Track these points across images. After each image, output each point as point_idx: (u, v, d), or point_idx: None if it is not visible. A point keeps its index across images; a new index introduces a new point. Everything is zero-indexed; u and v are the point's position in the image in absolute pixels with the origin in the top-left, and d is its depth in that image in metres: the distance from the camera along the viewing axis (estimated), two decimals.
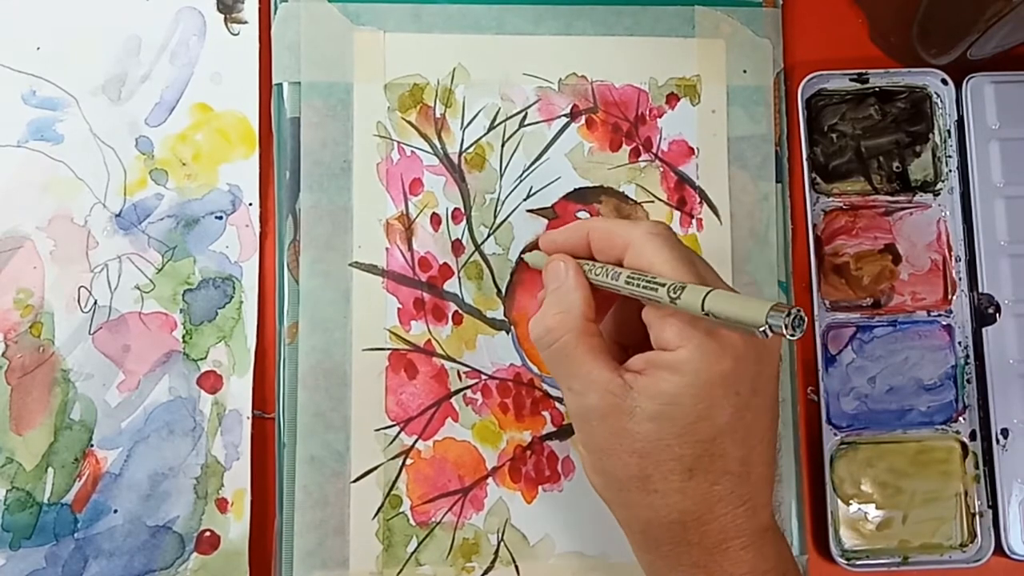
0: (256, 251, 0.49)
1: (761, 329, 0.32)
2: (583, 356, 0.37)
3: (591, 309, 0.38)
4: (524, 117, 0.50)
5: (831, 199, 0.52)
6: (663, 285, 0.35)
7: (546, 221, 0.50)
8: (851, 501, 0.51)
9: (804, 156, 0.51)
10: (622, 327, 0.41)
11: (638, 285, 0.36)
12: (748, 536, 0.36)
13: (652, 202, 0.51)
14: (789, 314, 0.31)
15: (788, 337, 0.31)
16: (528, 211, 0.50)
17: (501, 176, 0.50)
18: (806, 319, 0.31)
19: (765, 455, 0.37)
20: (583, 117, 0.51)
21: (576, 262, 0.39)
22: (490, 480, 0.48)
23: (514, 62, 0.50)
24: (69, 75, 0.49)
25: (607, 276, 0.38)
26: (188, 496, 0.47)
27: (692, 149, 0.51)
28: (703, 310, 0.33)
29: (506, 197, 0.50)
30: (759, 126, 0.51)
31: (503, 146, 0.50)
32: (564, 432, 0.49)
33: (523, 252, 0.49)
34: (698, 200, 0.51)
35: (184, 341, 0.48)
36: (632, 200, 0.51)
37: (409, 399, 0.48)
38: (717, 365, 0.35)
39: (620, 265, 0.38)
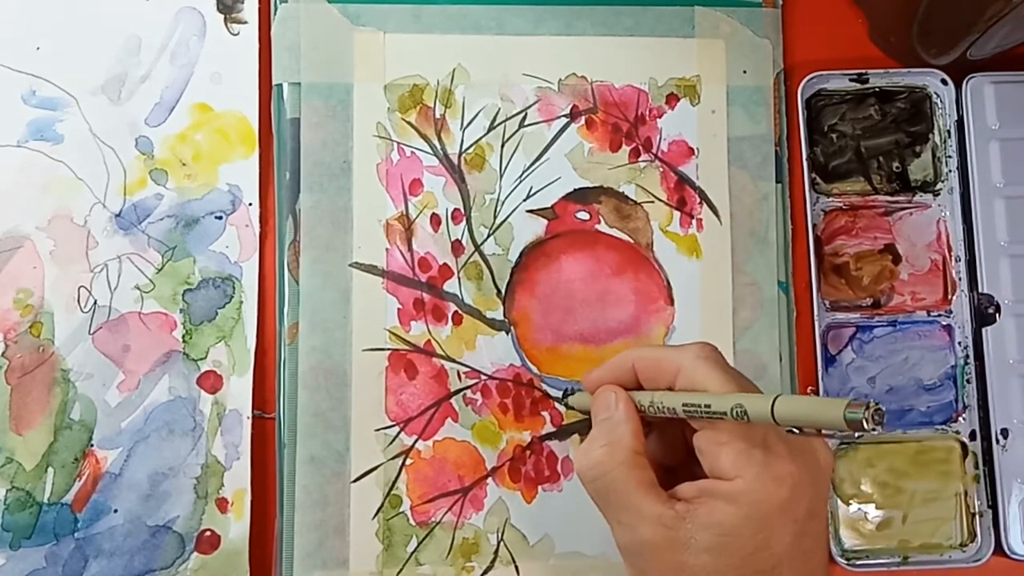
0: (256, 251, 0.49)
1: (841, 429, 0.31)
2: (633, 489, 0.36)
3: (640, 442, 0.37)
4: (524, 117, 0.50)
5: (831, 199, 0.52)
6: (727, 408, 0.34)
7: (545, 221, 0.50)
8: (851, 501, 0.51)
9: (804, 156, 0.51)
10: (664, 449, 0.40)
11: (698, 411, 0.35)
12: None
13: (652, 202, 0.51)
14: (867, 407, 0.30)
15: (870, 432, 0.30)
16: (528, 211, 0.50)
17: (501, 176, 0.50)
18: (885, 412, 0.30)
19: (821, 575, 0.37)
20: (583, 117, 0.51)
21: (626, 393, 0.39)
22: (490, 480, 0.48)
23: (514, 62, 0.50)
24: (69, 75, 0.49)
25: (662, 406, 0.37)
26: (188, 496, 0.47)
27: (692, 149, 0.51)
28: (773, 418, 0.32)
29: (506, 197, 0.50)
30: (759, 126, 0.51)
31: (503, 146, 0.50)
32: (564, 432, 0.49)
33: (565, 397, 0.48)
34: (698, 200, 0.51)
35: (184, 341, 0.48)
36: (632, 200, 0.51)
37: (409, 399, 0.48)
38: (776, 494, 0.34)
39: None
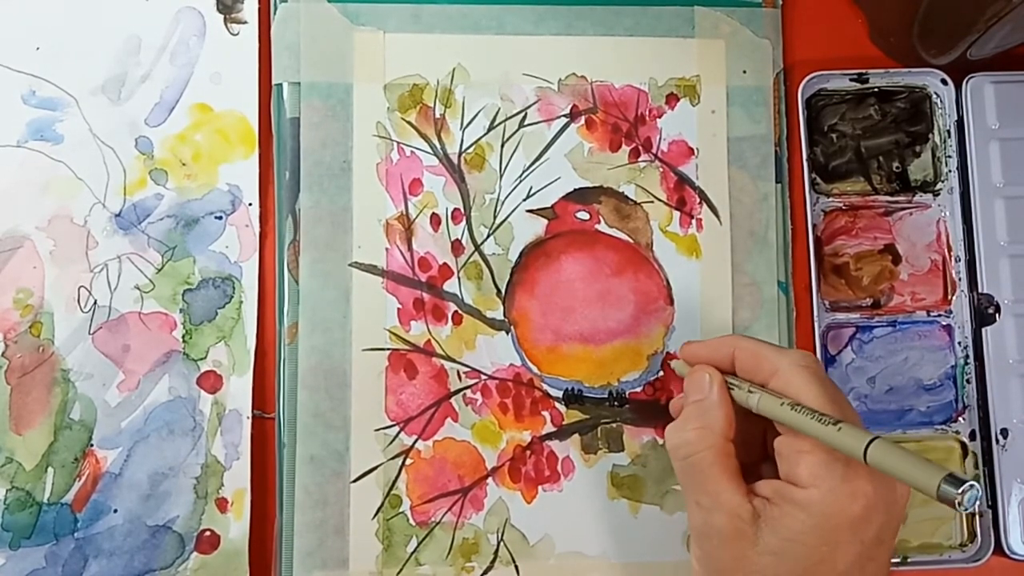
0: (256, 251, 0.49)
1: (929, 495, 0.31)
2: (718, 475, 0.37)
3: (731, 429, 0.38)
4: (524, 117, 0.50)
5: (831, 199, 0.52)
6: (824, 422, 0.35)
7: (545, 221, 0.50)
8: None
9: (804, 156, 0.51)
10: (743, 442, 0.40)
11: (800, 412, 0.36)
12: None
13: (652, 202, 0.51)
14: (970, 487, 0.30)
15: (959, 510, 0.31)
16: (528, 211, 0.50)
17: (501, 176, 0.50)
18: (980, 492, 0.31)
19: None
20: (583, 117, 0.51)
21: (722, 377, 0.39)
22: (490, 480, 0.48)
23: (514, 62, 0.50)
24: (69, 75, 0.49)
25: (758, 403, 0.38)
26: (188, 496, 0.47)
27: (692, 149, 0.51)
28: (864, 459, 0.33)
29: (506, 197, 0.50)
30: (759, 126, 0.51)
31: (503, 146, 0.50)
32: (563, 432, 0.49)
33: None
34: (698, 200, 0.51)
35: (184, 341, 0.48)
36: (632, 200, 0.51)
37: (409, 399, 0.48)
38: (847, 510, 0.35)
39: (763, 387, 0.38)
